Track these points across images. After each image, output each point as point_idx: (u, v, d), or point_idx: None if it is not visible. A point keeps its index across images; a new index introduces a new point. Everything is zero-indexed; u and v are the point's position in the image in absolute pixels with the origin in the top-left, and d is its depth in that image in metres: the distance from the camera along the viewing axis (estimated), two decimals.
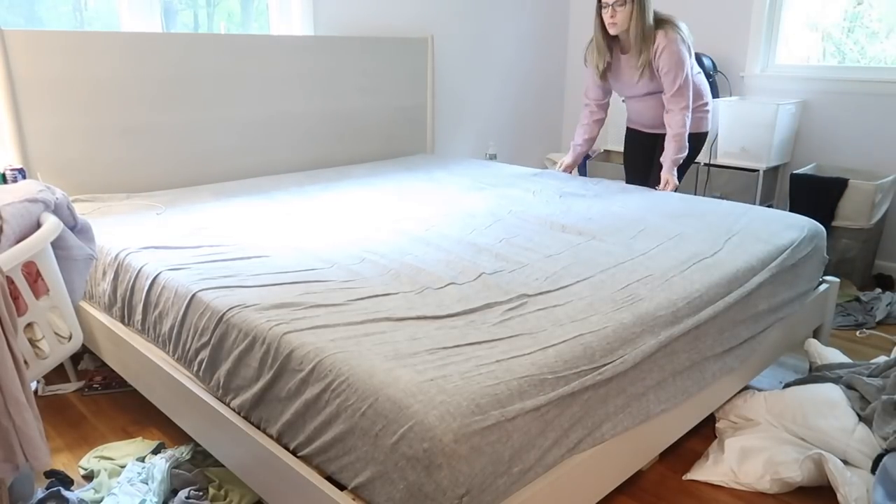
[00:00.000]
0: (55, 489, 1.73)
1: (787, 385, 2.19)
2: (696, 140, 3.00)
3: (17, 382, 1.24)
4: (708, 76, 3.68)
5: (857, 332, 2.87)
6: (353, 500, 1.28)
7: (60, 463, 1.95)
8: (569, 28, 4.58)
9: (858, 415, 1.91)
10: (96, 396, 2.30)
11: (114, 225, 2.26)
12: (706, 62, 3.69)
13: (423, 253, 1.99)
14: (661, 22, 2.78)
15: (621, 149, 4.05)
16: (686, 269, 1.89)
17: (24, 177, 2.35)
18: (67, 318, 1.59)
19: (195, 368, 1.70)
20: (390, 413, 1.21)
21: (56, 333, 1.59)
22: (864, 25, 3.52)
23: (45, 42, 2.41)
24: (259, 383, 1.49)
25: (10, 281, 1.39)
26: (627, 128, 3.22)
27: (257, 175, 3.10)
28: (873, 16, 3.48)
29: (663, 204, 2.61)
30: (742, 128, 3.51)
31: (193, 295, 1.70)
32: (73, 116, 2.52)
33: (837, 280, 2.53)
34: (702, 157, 3.70)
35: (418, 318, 1.53)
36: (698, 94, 2.93)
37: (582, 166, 4.21)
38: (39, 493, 1.73)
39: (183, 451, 1.92)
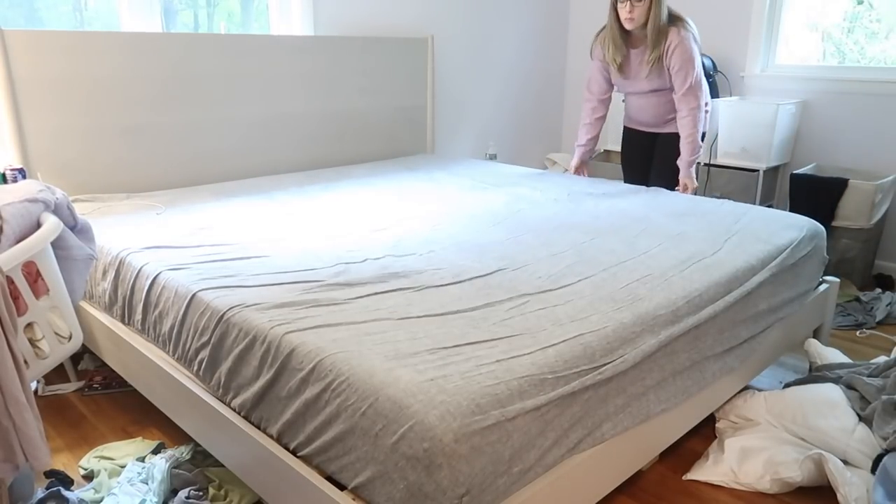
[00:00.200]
0: (55, 489, 1.73)
1: (787, 385, 2.19)
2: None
3: (17, 382, 1.24)
4: (708, 76, 3.68)
5: (857, 332, 2.87)
6: (353, 500, 1.28)
7: (60, 463, 1.95)
8: (569, 28, 4.58)
9: (858, 415, 1.91)
10: (96, 396, 2.30)
11: (114, 225, 2.26)
12: (706, 62, 3.69)
13: (423, 252, 1.99)
14: (674, 19, 2.79)
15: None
16: (686, 268, 1.89)
17: (24, 177, 2.35)
18: (67, 318, 1.59)
19: (195, 368, 1.70)
20: (390, 413, 1.21)
21: (56, 333, 1.59)
22: (864, 25, 3.52)
23: (46, 42, 2.41)
24: (259, 383, 1.49)
25: (10, 281, 1.39)
26: (625, 127, 3.21)
27: (257, 175, 3.10)
28: (873, 16, 3.48)
29: (666, 203, 2.61)
30: (742, 128, 3.51)
31: (193, 295, 1.70)
32: (73, 116, 2.52)
33: (837, 280, 2.53)
34: (702, 158, 3.70)
35: (419, 317, 1.53)
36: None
37: None
38: (39, 493, 1.73)
39: (183, 451, 1.92)
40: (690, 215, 2.44)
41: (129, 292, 1.93)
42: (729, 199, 3.25)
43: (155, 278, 1.84)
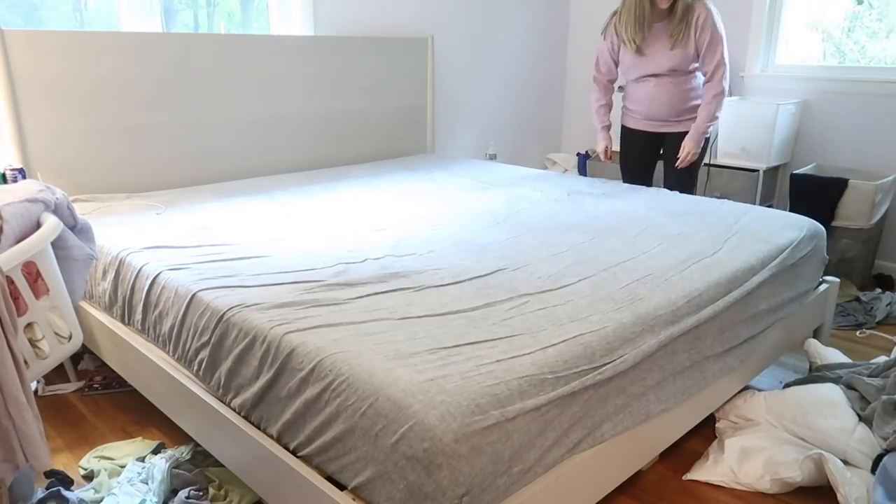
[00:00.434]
0: (55, 489, 1.73)
1: (787, 385, 2.19)
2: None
3: (17, 382, 1.24)
4: None
5: (857, 332, 2.87)
6: (353, 500, 1.28)
7: (60, 463, 1.95)
8: (569, 28, 4.58)
9: (858, 415, 1.91)
10: (96, 396, 2.30)
11: (114, 225, 2.26)
12: None
13: (423, 252, 1.99)
14: None
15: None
16: (686, 268, 1.89)
17: (24, 177, 2.35)
18: (67, 318, 1.59)
19: (195, 368, 1.70)
20: (390, 413, 1.21)
21: (56, 333, 1.59)
22: (864, 25, 3.52)
23: (46, 42, 2.41)
24: (259, 383, 1.49)
25: (10, 281, 1.39)
26: (625, 128, 3.10)
27: (257, 175, 3.10)
28: (873, 16, 3.48)
29: (666, 203, 2.61)
30: (742, 128, 3.51)
31: (193, 295, 1.70)
32: (73, 116, 2.52)
33: (837, 280, 2.53)
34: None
35: (419, 317, 1.53)
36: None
37: (582, 166, 4.21)
38: (39, 493, 1.73)
39: (183, 451, 1.92)
40: (690, 215, 2.44)
41: (129, 292, 1.93)
42: (729, 199, 3.25)
43: (155, 278, 1.84)
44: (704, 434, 2.07)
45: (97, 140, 2.60)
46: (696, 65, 2.85)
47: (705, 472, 1.87)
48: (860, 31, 3.54)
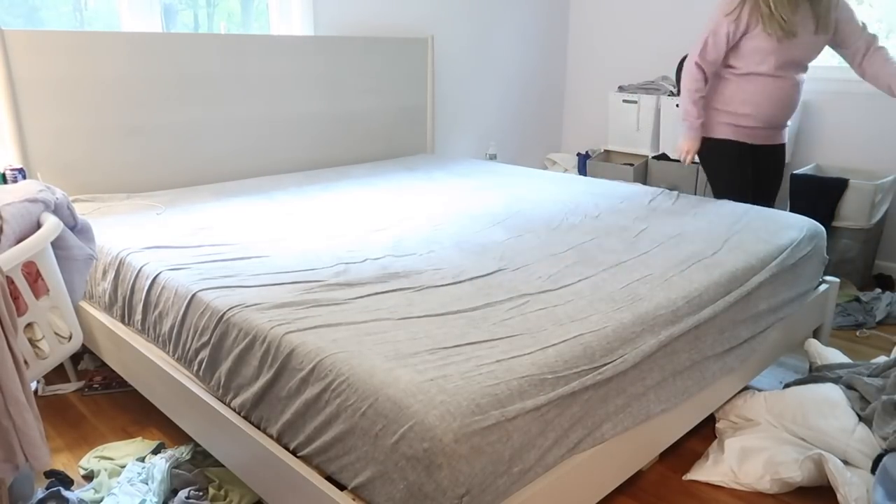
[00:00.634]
0: (55, 489, 1.73)
1: (787, 385, 2.19)
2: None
3: (17, 382, 1.24)
4: None
5: (857, 332, 2.87)
6: (353, 500, 1.28)
7: (60, 463, 1.95)
8: (569, 28, 4.58)
9: (858, 415, 1.91)
10: (96, 396, 2.30)
11: (114, 225, 2.26)
12: None
13: (423, 252, 1.99)
14: None
15: (621, 149, 4.09)
16: (686, 268, 1.89)
17: (24, 177, 2.35)
18: (67, 318, 1.59)
19: (195, 368, 1.70)
20: (390, 413, 1.21)
21: (56, 333, 1.59)
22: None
23: (46, 42, 2.41)
24: (259, 383, 1.49)
25: (10, 281, 1.39)
26: (724, 140, 2.60)
27: (257, 175, 3.10)
28: (873, 16, 3.48)
29: (666, 203, 2.61)
30: None
31: (193, 295, 1.70)
32: (74, 116, 2.52)
33: (837, 280, 2.53)
34: None
35: (419, 317, 1.53)
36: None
37: (582, 166, 4.21)
38: (39, 493, 1.73)
39: (183, 451, 1.92)
40: (690, 215, 2.44)
41: (129, 292, 1.93)
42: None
43: (155, 278, 1.84)
44: (704, 434, 2.07)
45: (97, 140, 2.60)
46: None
47: (705, 472, 1.87)
48: None
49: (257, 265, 1.87)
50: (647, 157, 3.93)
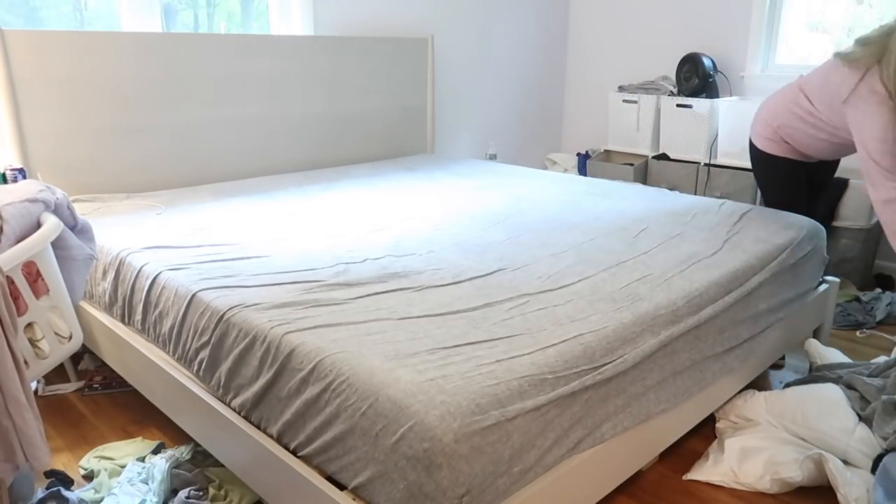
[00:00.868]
0: (55, 489, 1.73)
1: (787, 385, 2.19)
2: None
3: (17, 382, 1.24)
4: (708, 76, 3.68)
5: (857, 332, 2.87)
6: (353, 500, 1.28)
7: (60, 463, 1.95)
8: (569, 28, 4.58)
9: (858, 415, 1.91)
10: (96, 396, 2.30)
11: (114, 225, 2.26)
12: (706, 62, 3.69)
13: (423, 252, 1.99)
14: None
15: (621, 149, 4.09)
16: (686, 268, 1.89)
17: (24, 177, 2.35)
18: (67, 318, 1.59)
19: (195, 368, 1.70)
20: (390, 413, 1.21)
21: (56, 333, 1.59)
22: (864, 25, 3.52)
23: (46, 42, 2.41)
24: (259, 383, 1.49)
25: (11, 281, 1.39)
26: (788, 159, 2.47)
27: (257, 175, 3.10)
28: (873, 16, 3.48)
29: (666, 203, 2.61)
30: (742, 128, 3.51)
31: (193, 295, 1.70)
32: (74, 116, 2.52)
33: (837, 280, 2.53)
34: (701, 158, 3.70)
35: (419, 317, 1.53)
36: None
37: (582, 166, 4.21)
38: (39, 493, 1.73)
39: (183, 451, 1.92)
40: (690, 215, 2.44)
41: (129, 292, 1.93)
42: (729, 199, 3.24)
43: (155, 278, 1.84)
44: (704, 434, 2.07)
45: (97, 140, 2.60)
46: None
47: (705, 472, 1.87)
48: (860, 31, 3.54)
49: (257, 265, 1.87)
50: (647, 157, 3.93)
